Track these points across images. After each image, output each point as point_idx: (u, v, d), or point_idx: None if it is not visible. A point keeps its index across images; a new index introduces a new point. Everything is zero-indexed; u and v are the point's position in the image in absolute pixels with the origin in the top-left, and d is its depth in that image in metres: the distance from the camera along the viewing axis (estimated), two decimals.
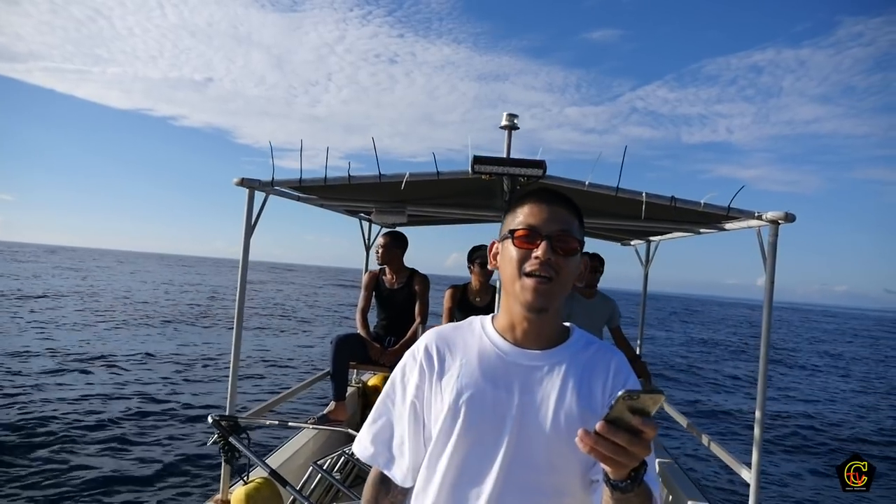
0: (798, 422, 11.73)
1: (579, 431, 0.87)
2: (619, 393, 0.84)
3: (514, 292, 1.28)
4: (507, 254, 1.30)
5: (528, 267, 1.25)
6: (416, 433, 1.34)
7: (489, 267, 1.40)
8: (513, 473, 1.23)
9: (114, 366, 11.57)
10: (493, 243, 1.39)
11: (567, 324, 1.40)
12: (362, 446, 1.41)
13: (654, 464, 1.18)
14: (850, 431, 11.45)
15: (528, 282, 1.24)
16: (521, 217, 1.30)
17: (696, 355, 21.77)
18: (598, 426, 0.85)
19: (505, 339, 1.33)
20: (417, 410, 1.34)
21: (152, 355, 13.14)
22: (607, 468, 0.92)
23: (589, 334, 1.39)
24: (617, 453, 0.86)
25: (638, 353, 6.37)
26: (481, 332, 1.37)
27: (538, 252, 1.24)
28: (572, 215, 1.32)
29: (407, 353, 1.41)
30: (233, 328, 3.69)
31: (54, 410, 8.45)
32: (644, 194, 3.21)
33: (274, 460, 3.83)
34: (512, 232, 1.30)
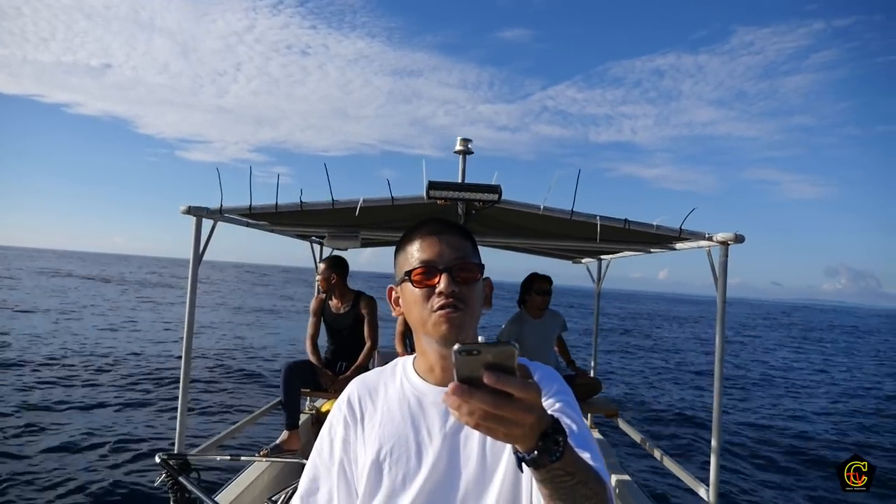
0: (754, 433, 11.90)
1: (448, 388, 0.76)
2: (454, 348, 0.78)
3: (427, 332, 1.23)
4: (410, 296, 1.25)
5: (434, 303, 1.21)
6: (346, 488, 1.31)
7: (393, 314, 1.35)
8: None
9: (43, 400, 10.92)
10: (391, 289, 1.34)
11: None
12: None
13: (594, 450, 1.10)
14: (812, 441, 11.64)
15: (438, 315, 1.20)
16: (414, 255, 1.26)
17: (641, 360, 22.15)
18: (449, 387, 0.76)
19: (426, 381, 1.29)
20: (345, 465, 1.31)
21: (88, 381, 12.51)
22: (505, 442, 0.83)
23: None
24: (487, 418, 0.76)
25: (592, 370, 6.43)
26: (402, 375, 1.34)
27: (441, 286, 1.20)
28: (465, 240, 1.29)
29: (335, 405, 1.38)
30: (181, 360, 3.54)
31: None
32: (598, 217, 3.24)
33: (226, 496, 3.68)
34: (409, 273, 1.25)
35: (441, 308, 1.20)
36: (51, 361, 14.28)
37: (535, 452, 0.81)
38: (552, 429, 0.82)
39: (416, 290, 1.23)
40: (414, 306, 1.24)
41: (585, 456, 1.01)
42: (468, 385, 0.76)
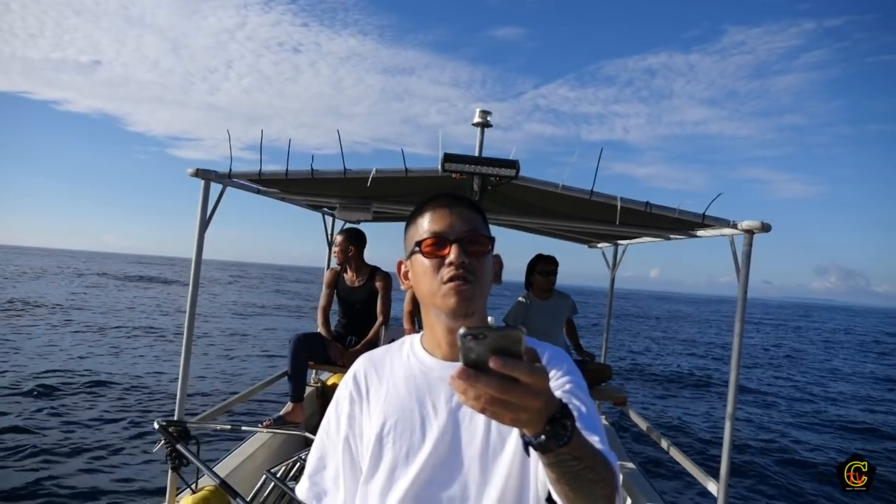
0: (767, 432, 11.72)
1: (453, 373, 0.74)
2: (459, 332, 0.75)
3: (435, 304, 1.22)
4: (419, 267, 1.24)
5: (444, 274, 1.20)
6: (351, 464, 1.30)
7: (402, 287, 1.35)
8: (444, 492, 1.20)
9: (49, 370, 11.00)
10: (400, 262, 1.33)
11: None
12: (301, 482, 1.37)
13: (601, 433, 1.09)
14: (823, 439, 11.46)
15: (448, 287, 1.19)
16: (424, 226, 1.25)
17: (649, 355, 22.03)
18: (455, 371, 0.74)
19: (433, 356, 1.28)
20: (350, 441, 1.31)
21: (91, 356, 12.61)
22: (512, 426, 0.81)
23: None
24: (493, 403, 0.74)
25: (603, 357, 6.34)
26: (409, 351, 1.33)
27: (451, 257, 1.20)
28: (475, 213, 1.28)
29: (341, 382, 1.38)
30: (183, 326, 3.48)
31: None
32: (619, 199, 3.12)
33: (224, 467, 3.64)
34: (419, 244, 1.24)
35: (451, 280, 1.19)
36: (54, 340, 14.46)
37: (543, 437, 0.79)
38: (560, 413, 0.80)
39: (426, 260, 1.22)
40: (423, 277, 1.23)
41: (594, 440, 1.01)
42: (474, 369, 0.74)
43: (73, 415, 8.42)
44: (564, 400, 1.08)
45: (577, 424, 0.85)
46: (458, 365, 0.75)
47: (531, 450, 0.82)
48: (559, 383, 1.20)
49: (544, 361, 1.20)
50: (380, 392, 1.29)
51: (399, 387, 1.28)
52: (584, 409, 1.13)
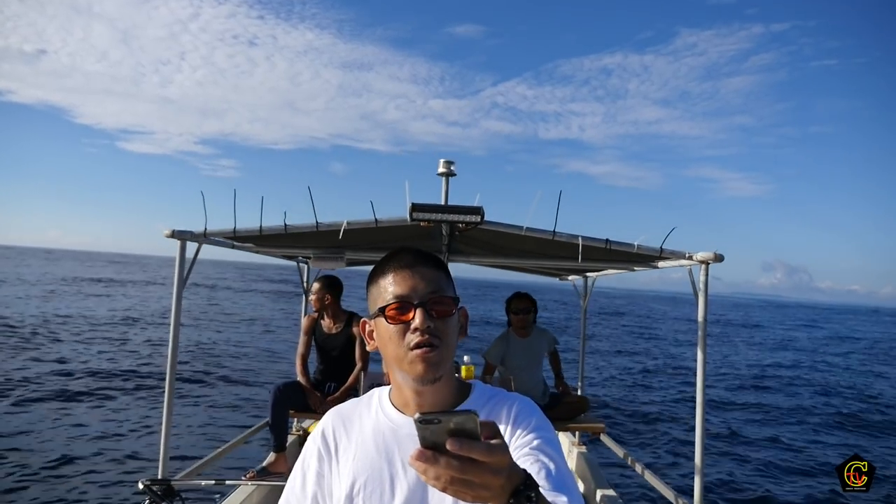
0: (741, 437, 11.85)
1: (412, 454, 0.77)
2: (414, 417, 0.78)
3: (402, 368, 1.21)
4: (384, 332, 1.23)
5: (410, 340, 1.19)
6: None
7: (368, 348, 1.34)
8: None
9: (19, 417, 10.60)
10: (364, 322, 1.32)
11: (470, 381, 1.36)
12: None
13: (571, 489, 1.09)
14: (798, 445, 11.52)
15: (415, 354, 1.18)
16: (388, 289, 1.24)
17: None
18: (413, 453, 0.76)
19: (402, 412, 1.28)
20: (319, 499, 1.29)
21: (68, 401, 12.14)
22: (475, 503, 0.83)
23: (492, 388, 1.35)
24: (454, 483, 0.76)
25: (580, 387, 6.45)
26: (378, 407, 1.32)
27: (416, 322, 1.19)
28: (438, 271, 1.27)
29: (309, 437, 1.36)
30: (165, 381, 3.52)
31: None
32: (580, 238, 3.28)
33: None
34: (382, 309, 1.23)
35: (417, 346, 1.18)
36: (24, 375, 13.90)
37: None
38: (524, 485, 0.81)
39: (391, 326, 1.21)
40: (389, 342, 1.22)
41: (562, 500, 1.02)
42: (433, 451, 0.76)
43: (47, 476, 8.10)
44: (532, 458, 1.15)
45: (545, 485, 0.89)
46: (417, 446, 0.77)
47: None
48: (527, 440, 1.19)
49: (512, 415, 1.25)
50: (349, 450, 1.28)
51: (368, 444, 1.27)
52: (552, 466, 1.13)
